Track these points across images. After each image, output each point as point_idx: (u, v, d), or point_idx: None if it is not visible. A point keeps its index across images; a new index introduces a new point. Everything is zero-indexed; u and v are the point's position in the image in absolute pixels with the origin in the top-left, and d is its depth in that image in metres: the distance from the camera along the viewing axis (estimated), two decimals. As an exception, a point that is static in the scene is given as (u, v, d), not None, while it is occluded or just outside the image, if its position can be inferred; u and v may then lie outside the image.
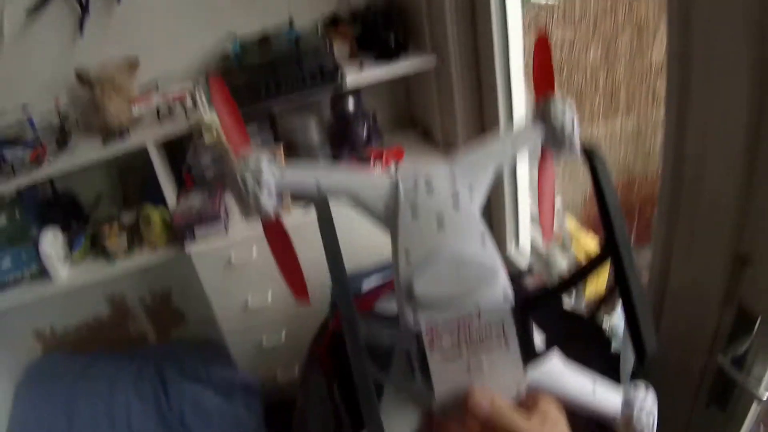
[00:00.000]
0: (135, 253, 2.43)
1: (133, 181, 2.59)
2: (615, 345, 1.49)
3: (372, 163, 2.34)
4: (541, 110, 0.79)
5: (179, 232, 2.29)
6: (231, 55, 2.29)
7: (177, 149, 2.44)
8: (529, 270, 2.22)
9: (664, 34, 1.26)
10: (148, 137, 2.23)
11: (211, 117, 2.18)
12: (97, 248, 2.46)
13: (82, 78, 2.29)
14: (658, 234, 1.33)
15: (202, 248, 2.30)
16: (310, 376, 1.90)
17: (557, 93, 0.81)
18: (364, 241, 2.26)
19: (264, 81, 2.18)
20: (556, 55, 2.48)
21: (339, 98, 2.44)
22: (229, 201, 2.44)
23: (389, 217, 0.70)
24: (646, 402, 0.75)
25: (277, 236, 0.78)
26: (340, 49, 2.38)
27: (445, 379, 0.65)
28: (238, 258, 2.30)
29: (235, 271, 2.33)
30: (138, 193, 2.58)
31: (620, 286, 0.64)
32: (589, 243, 2.34)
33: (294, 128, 2.42)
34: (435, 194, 0.69)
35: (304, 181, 0.72)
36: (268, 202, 0.71)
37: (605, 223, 0.68)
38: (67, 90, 2.40)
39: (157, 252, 2.41)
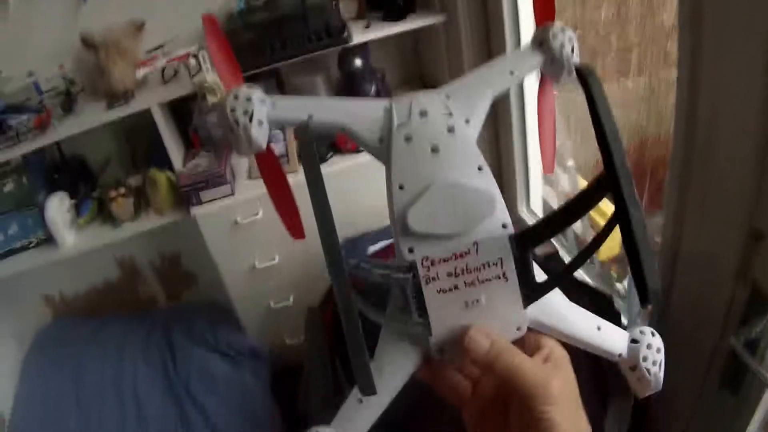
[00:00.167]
0: (141, 217, 2.42)
1: (140, 144, 2.58)
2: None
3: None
4: (540, 35, 0.77)
5: (185, 195, 2.28)
6: (235, 13, 2.26)
7: (184, 111, 2.42)
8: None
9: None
10: (152, 100, 2.21)
11: (215, 78, 2.15)
12: (104, 213, 2.45)
13: (87, 42, 2.28)
14: (669, 200, 1.30)
15: (207, 210, 2.29)
16: (314, 343, 1.88)
17: (555, 21, 0.78)
18: (368, 208, 2.26)
19: (269, 39, 2.15)
20: (567, 13, 2.43)
21: (346, 55, 2.40)
22: (236, 161, 2.42)
23: (383, 149, 0.68)
24: (655, 340, 0.73)
25: (270, 169, 0.76)
26: (347, 6, 2.34)
27: (441, 315, 0.63)
28: (244, 218, 2.29)
29: (241, 231, 2.32)
30: (145, 156, 2.56)
31: (620, 219, 0.60)
32: (603, 205, 2.31)
33: (301, 86, 2.40)
34: (429, 121, 0.66)
35: (296, 114, 0.70)
36: (259, 133, 0.68)
37: (603, 149, 0.63)
38: (73, 55, 2.38)
39: (163, 215, 2.40)
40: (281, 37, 2.15)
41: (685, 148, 1.19)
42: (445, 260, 0.62)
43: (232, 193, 2.29)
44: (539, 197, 2.37)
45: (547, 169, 0.94)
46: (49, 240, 2.37)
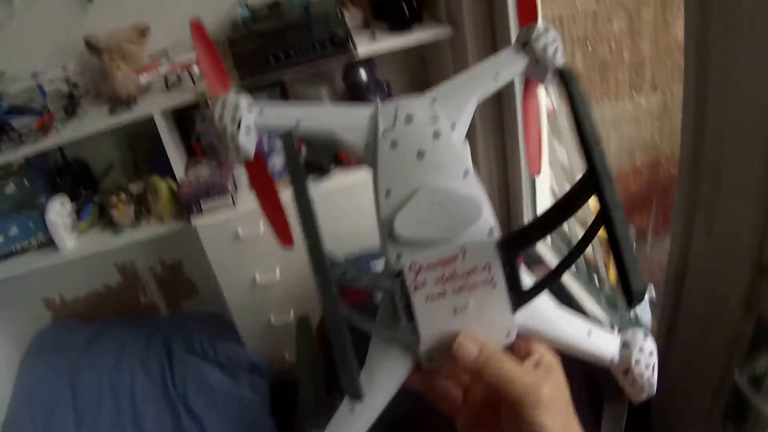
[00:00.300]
0: (142, 224, 2.41)
1: (142, 150, 2.56)
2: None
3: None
4: (523, 37, 0.77)
5: (186, 204, 2.25)
6: (239, 21, 2.22)
7: (187, 118, 2.40)
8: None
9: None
10: (155, 107, 2.19)
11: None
12: (105, 218, 2.44)
13: (91, 45, 2.25)
14: (675, 229, 1.27)
15: (208, 221, 2.27)
16: (305, 352, 1.87)
17: (540, 21, 0.78)
18: (372, 224, 2.22)
19: (273, 48, 2.11)
20: (578, 26, 2.39)
21: (351, 67, 2.37)
22: (238, 172, 2.39)
23: (369, 155, 0.67)
24: (647, 343, 0.72)
25: (260, 177, 0.77)
26: (353, 16, 2.31)
27: (430, 321, 0.62)
28: (245, 232, 2.26)
29: (242, 245, 2.29)
30: (147, 162, 2.54)
31: (604, 221, 0.58)
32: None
33: (305, 97, 2.37)
34: (415, 126, 0.66)
35: (283, 121, 0.70)
36: (247, 141, 0.68)
37: (585, 152, 0.62)
38: (77, 57, 2.35)
39: (164, 224, 2.38)
40: (285, 46, 2.11)
41: (690, 176, 1.17)
42: (432, 266, 0.62)
43: (234, 204, 2.26)
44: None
45: (534, 170, 0.93)
46: (49, 243, 2.36)
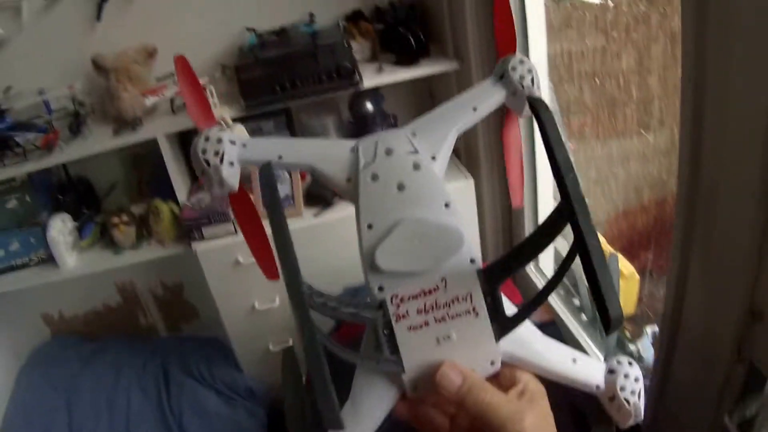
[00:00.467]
0: (143, 246, 2.40)
1: (146, 172, 2.55)
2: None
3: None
4: (500, 68, 0.78)
5: (187, 228, 2.24)
6: (246, 47, 2.22)
7: (191, 143, 2.37)
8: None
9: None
10: (159, 130, 2.18)
11: (221, 112, 2.12)
12: (106, 238, 2.43)
13: (98, 65, 2.25)
14: (672, 270, 1.25)
15: (209, 246, 2.26)
16: (291, 383, 1.86)
17: (517, 52, 0.81)
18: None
19: (279, 77, 2.10)
20: (586, 61, 2.38)
21: (358, 98, 2.36)
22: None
23: (351, 189, 0.69)
24: (632, 370, 0.73)
25: (243, 209, 0.79)
26: (362, 47, 2.30)
27: (413, 352, 0.63)
28: (246, 259, 2.25)
29: (242, 271, 2.28)
30: (150, 185, 2.54)
31: (579, 249, 0.60)
32: (621, 266, 2.24)
33: (311, 127, 2.36)
34: (395, 159, 0.68)
35: (265, 155, 0.72)
36: (230, 174, 0.71)
37: (558, 181, 0.64)
38: (85, 76, 2.35)
39: (165, 247, 2.37)
40: (291, 75, 2.10)
41: (687, 216, 1.16)
42: (414, 297, 0.63)
43: (235, 232, 2.25)
44: (550, 253, 2.30)
45: (516, 201, 0.95)
46: (49, 260, 2.35)
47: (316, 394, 0.55)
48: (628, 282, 2.17)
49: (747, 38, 0.90)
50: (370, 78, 2.18)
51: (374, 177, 0.67)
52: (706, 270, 1.15)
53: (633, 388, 0.72)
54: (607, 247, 2.30)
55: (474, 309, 0.64)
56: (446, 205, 0.66)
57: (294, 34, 2.26)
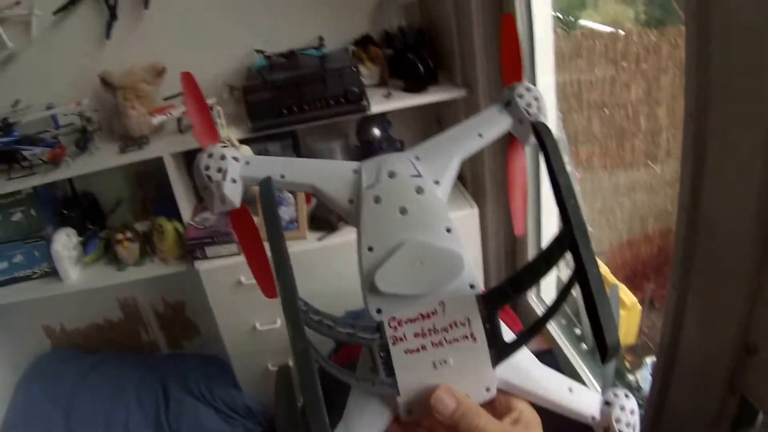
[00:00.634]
0: (146, 263, 2.41)
1: (151, 190, 2.55)
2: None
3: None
4: (507, 96, 0.79)
5: (190, 247, 2.25)
6: (254, 69, 2.22)
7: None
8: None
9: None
10: (165, 149, 2.19)
11: (228, 133, 2.12)
12: (110, 253, 2.44)
13: (107, 82, 2.26)
14: (670, 302, 1.25)
15: (212, 265, 2.26)
16: (284, 403, 1.86)
17: (524, 80, 0.81)
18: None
19: (287, 100, 2.11)
20: (596, 92, 2.37)
21: (365, 122, 2.36)
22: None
23: (353, 210, 0.68)
24: (628, 402, 0.73)
25: (243, 226, 0.79)
26: (370, 72, 2.30)
27: (409, 375, 0.63)
28: (248, 279, 2.24)
29: (244, 292, 2.28)
30: (155, 202, 2.54)
31: (579, 276, 0.60)
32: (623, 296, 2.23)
33: (318, 151, 2.37)
34: (398, 182, 0.68)
35: (268, 173, 0.72)
36: (233, 191, 0.71)
37: (560, 207, 0.64)
38: (93, 93, 2.36)
39: (168, 264, 2.38)
40: (299, 99, 2.11)
41: (685, 251, 1.16)
42: (412, 320, 0.63)
43: (238, 253, 2.25)
44: (552, 282, 2.30)
45: (518, 230, 0.94)
46: (53, 273, 2.36)
47: (307, 411, 0.54)
48: (629, 312, 2.16)
49: (748, 74, 0.91)
50: (378, 103, 2.18)
51: (377, 199, 0.67)
52: (703, 303, 1.15)
53: (628, 420, 0.72)
54: (609, 277, 2.29)
55: (472, 334, 0.64)
56: (448, 230, 0.66)
57: (303, 58, 2.26)
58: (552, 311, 0.64)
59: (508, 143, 0.85)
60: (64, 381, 2.68)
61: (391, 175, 0.68)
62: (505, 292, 0.65)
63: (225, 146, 0.74)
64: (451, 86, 2.26)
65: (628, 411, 0.72)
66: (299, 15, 2.40)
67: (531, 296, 2.32)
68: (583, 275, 0.59)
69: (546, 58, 2.03)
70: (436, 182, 0.69)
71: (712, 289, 1.11)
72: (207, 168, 0.71)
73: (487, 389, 0.65)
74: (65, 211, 2.46)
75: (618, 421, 0.71)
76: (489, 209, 2.31)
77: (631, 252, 2.56)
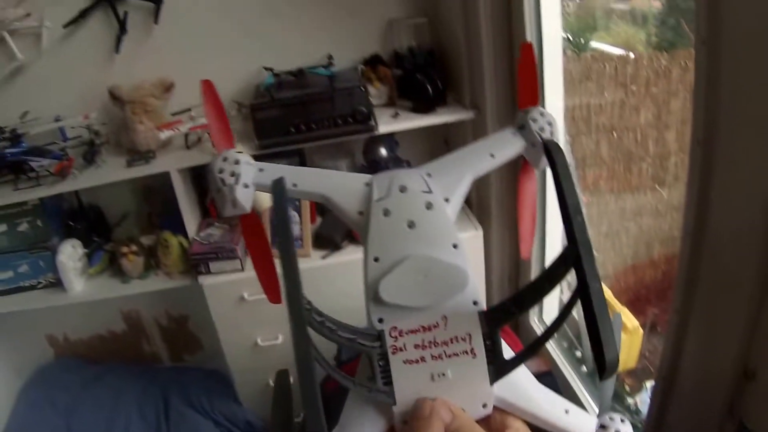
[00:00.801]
0: (150, 276, 2.41)
1: (157, 204, 2.56)
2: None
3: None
4: (521, 119, 0.80)
5: (194, 262, 2.25)
6: (263, 87, 2.22)
7: (204, 178, 2.40)
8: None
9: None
10: (172, 164, 2.19)
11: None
12: (115, 266, 2.44)
13: (115, 96, 2.27)
14: (671, 325, 1.25)
15: (215, 281, 2.26)
16: (280, 407, 1.86)
17: (539, 105, 0.82)
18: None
19: (294, 118, 2.11)
20: (605, 115, 2.37)
21: (372, 142, 2.36)
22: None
23: (362, 222, 0.69)
24: (624, 427, 0.74)
25: (253, 231, 0.81)
26: (379, 92, 2.30)
27: (407, 385, 0.63)
28: (251, 295, 2.25)
29: (247, 307, 2.28)
30: (161, 216, 2.54)
31: (581, 293, 0.60)
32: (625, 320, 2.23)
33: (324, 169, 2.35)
34: (409, 197, 0.68)
35: None
36: (244, 196, 0.72)
37: (566, 224, 0.64)
38: (101, 106, 2.37)
39: (172, 278, 2.38)
40: (306, 118, 2.11)
41: (688, 276, 1.16)
42: (413, 331, 0.63)
43: (242, 270, 2.25)
44: (554, 305, 2.29)
45: (525, 253, 0.95)
46: (57, 283, 2.37)
47: (305, 410, 0.54)
48: (631, 336, 2.15)
49: (758, 102, 0.91)
50: (386, 124, 2.18)
51: (386, 212, 0.67)
52: (704, 327, 1.15)
53: None
54: (612, 303, 2.29)
55: (472, 350, 0.63)
56: (455, 246, 0.66)
57: (311, 76, 2.26)
58: (553, 329, 0.63)
59: (517, 167, 0.86)
60: (67, 389, 2.69)
61: (402, 189, 0.69)
62: (507, 310, 0.65)
63: (240, 152, 0.75)
64: (459, 108, 2.25)
65: None
66: (309, 33, 2.40)
67: (533, 318, 2.31)
68: (585, 291, 0.59)
69: (555, 81, 2.02)
70: (446, 199, 0.70)
71: (714, 314, 1.11)
72: (221, 171, 0.73)
73: (484, 405, 0.65)
74: (71, 223, 2.46)
75: None
76: (494, 232, 2.30)
77: (636, 276, 2.55)
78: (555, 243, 2.19)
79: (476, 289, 0.65)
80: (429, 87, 2.19)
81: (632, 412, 2.09)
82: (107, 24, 2.29)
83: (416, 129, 2.25)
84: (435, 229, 0.67)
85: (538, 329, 2.28)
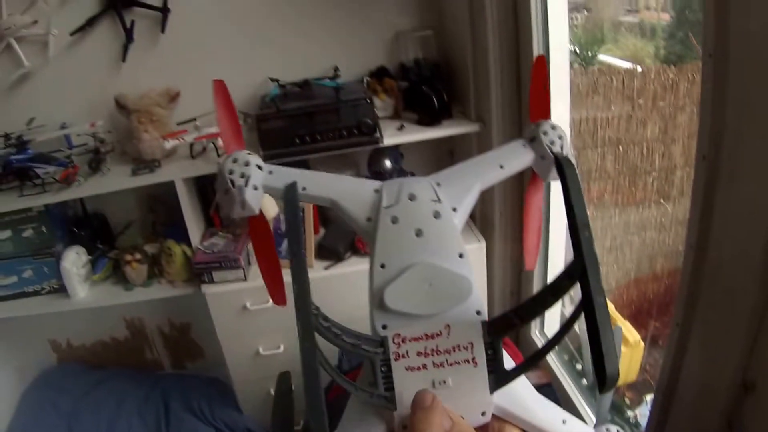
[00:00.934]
0: (153, 284, 2.41)
1: (161, 213, 2.57)
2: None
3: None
4: (532, 132, 0.80)
5: (198, 271, 2.25)
6: (269, 98, 2.22)
7: (208, 188, 2.40)
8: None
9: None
10: (177, 173, 2.19)
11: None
12: (119, 273, 2.45)
13: (121, 105, 2.27)
14: (672, 338, 1.26)
15: (218, 290, 2.27)
16: (281, 408, 1.87)
17: (550, 119, 0.82)
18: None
19: (299, 129, 2.11)
20: (612, 130, 2.36)
21: (377, 154, 2.36)
22: (252, 247, 2.40)
23: (370, 228, 0.69)
24: None
25: (261, 234, 0.80)
26: (384, 104, 2.30)
27: (408, 391, 0.63)
28: (254, 305, 2.25)
29: (249, 316, 2.29)
30: (165, 225, 2.55)
31: (585, 307, 0.60)
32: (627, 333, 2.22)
33: (328, 182, 2.36)
34: (417, 205, 0.69)
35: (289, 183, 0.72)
36: (253, 198, 0.72)
37: (573, 238, 0.64)
38: (107, 114, 2.37)
39: (175, 286, 2.38)
40: (312, 129, 2.11)
41: (690, 291, 1.16)
42: (416, 339, 0.63)
43: (245, 279, 2.26)
44: (556, 318, 2.28)
45: (529, 264, 0.95)
46: (61, 290, 2.38)
47: (308, 410, 0.54)
48: (632, 349, 2.15)
49: (765, 119, 0.91)
50: (391, 136, 2.18)
51: (394, 219, 0.68)
52: (704, 340, 1.16)
53: None
54: (614, 316, 2.29)
55: (473, 359, 0.63)
56: (460, 256, 0.66)
57: (317, 87, 2.26)
58: (555, 342, 0.64)
59: (521, 181, 0.87)
60: (69, 394, 2.71)
61: (411, 197, 0.69)
62: (509, 321, 0.65)
63: (250, 153, 0.75)
64: (464, 120, 2.25)
65: None
66: (315, 45, 2.41)
67: (534, 331, 2.31)
68: (589, 305, 0.59)
69: (562, 94, 2.02)
70: (454, 209, 0.70)
71: (714, 327, 1.12)
72: (231, 172, 0.73)
73: (483, 413, 0.65)
74: (76, 230, 2.47)
75: None
76: (496, 245, 2.30)
77: (638, 290, 2.54)
78: (557, 255, 2.19)
79: (479, 299, 0.65)
80: (435, 99, 2.18)
81: (632, 426, 2.09)
82: (114, 32, 2.30)
83: (421, 141, 2.25)
84: (442, 238, 0.67)
85: (539, 342, 2.28)
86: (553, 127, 0.80)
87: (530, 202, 0.90)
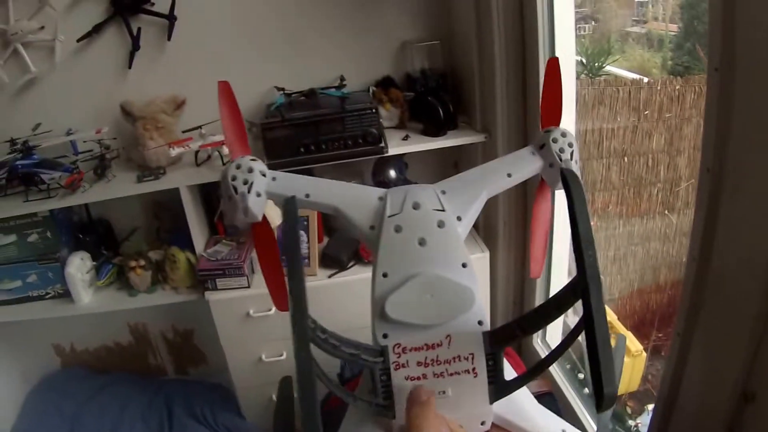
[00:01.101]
0: (157, 290, 2.41)
1: (166, 219, 2.57)
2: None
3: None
4: (542, 139, 0.80)
5: (201, 278, 2.26)
6: (273, 106, 2.22)
7: (212, 196, 2.41)
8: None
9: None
10: (182, 181, 2.19)
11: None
12: (123, 279, 2.45)
13: (127, 111, 2.28)
14: (674, 348, 1.26)
15: (222, 297, 2.27)
16: (282, 414, 1.86)
17: (560, 126, 0.81)
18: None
19: (304, 138, 2.11)
20: (618, 141, 2.36)
21: (382, 163, 2.36)
22: (255, 255, 2.39)
23: (373, 236, 0.70)
24: None
25: (264, 240, 0.81)
26: (390, 114, 2.29)
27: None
28: (257, 312, 2.25)
29: (252, 323, 2.29)
30: (169, 232, 2.55)
31: (586, 325, 0.60)
32: (629, 343, 2.22)
33: (332, 191, 2.36)
34: (421, 214, 0.68)
35: (293, 191, 0.73)
36: (256, 204, 0.73)
37: (577, 255, 0.64)
38: (113, 121, 2.37)
39: (179, 293, 2.38)
40: (317, 138, 2.12)
41: (692, 301, 1.17)
42: (416, 349, 0.64)
43: (249, 287, 2.26)
44: (559, 328, 2.28)
45: (535, 272, 0.96)
46: (66, 294, 2.38)
47: (303, 418, 0.54)
48: (634, 359, 2.15)
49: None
50: (396, 146, 2.18)
51: (398, 228, 0.67)
52: (705, 351, 1.16)
53: None
54: (617, 325, 2.28)
55: (474, 369, 0.64)
56: (464, 265, 0.66)
57: (323, 97, 2.26)
58: (556, 355, 0.64)
59: (525, 191, 0.86)
60: (72, 398, 2.71)
61: (416, 206, 0.69)
62: (511, 332, 0.66)
63: (254, 159, 0.75)
64: (470, 131, 2.25)
65: None
66: (321, 54, 2.41)
67: (536, 340, 2.31)
68: (590, 324, 0.59)
69: (568, 105, 2.01)
70: (459, 218, 0.70)
71: (716, 338, 1.12)
72: (234, 179, 0.73)
73: (482, 423, 0.65)
74: (80, 236, 2.47)
75: None
76: (500, 255, 2.30)
77: (641, 301, 2.54)
78: (561, 264, 2.19)
79: (482, 309, 0.65)
80: (440, 110, 2.18)
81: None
82: (120, 39, 2.30)
83: (426, 151, 2.24)
84: (445, 248, 0.67)
85: (542, 351, 2.27)
86: (564, 135, 0.80)
87: (538, 209, 0.90)
